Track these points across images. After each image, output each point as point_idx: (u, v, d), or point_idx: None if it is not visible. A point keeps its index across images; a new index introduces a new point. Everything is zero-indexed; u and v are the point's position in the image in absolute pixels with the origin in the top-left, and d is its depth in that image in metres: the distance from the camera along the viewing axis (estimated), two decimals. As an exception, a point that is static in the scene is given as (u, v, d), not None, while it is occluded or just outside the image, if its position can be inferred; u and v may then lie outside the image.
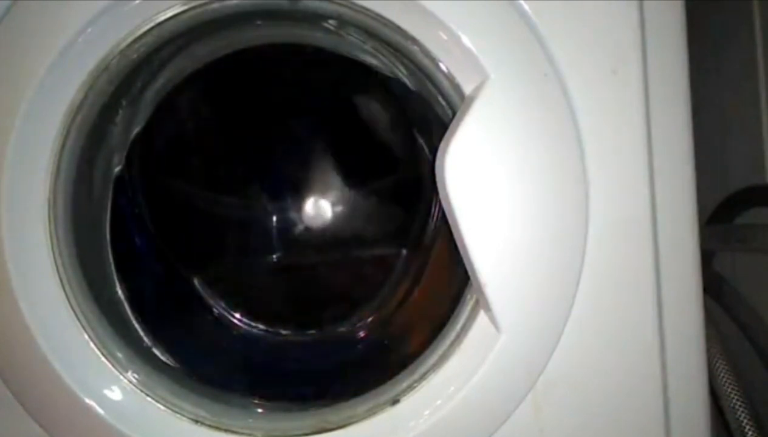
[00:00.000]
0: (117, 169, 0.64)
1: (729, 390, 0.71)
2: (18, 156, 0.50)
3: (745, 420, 0.71)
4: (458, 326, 0.53)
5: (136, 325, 0.61)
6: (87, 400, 0.52)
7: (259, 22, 0.61)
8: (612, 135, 0.50)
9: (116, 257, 0.63)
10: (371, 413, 0.52)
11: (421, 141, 0.70)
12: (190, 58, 0.63)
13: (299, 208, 0.74)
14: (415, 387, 0.52)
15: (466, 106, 0.49)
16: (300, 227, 0.74)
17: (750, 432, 0.71)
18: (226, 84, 0.70)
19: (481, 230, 0.49)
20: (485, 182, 0.48)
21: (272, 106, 0.72)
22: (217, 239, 0.74)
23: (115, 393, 0.53)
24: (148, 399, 0.54)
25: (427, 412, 0.51)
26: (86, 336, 0.53)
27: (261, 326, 0.73)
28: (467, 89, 0.50)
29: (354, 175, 0.74)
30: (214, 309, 0.73)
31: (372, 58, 0.62)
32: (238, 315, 0.73)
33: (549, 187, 0.49)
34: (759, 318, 0.79)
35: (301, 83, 0.72)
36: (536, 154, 0.49)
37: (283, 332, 0.73)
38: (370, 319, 0.73)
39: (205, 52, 0.64)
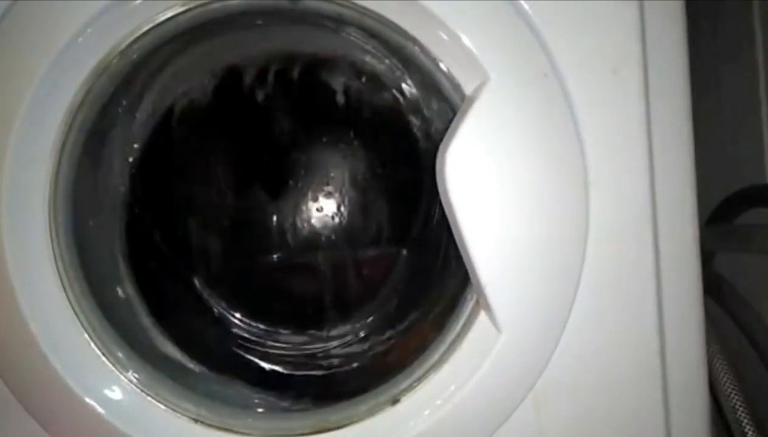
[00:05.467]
0: (117, 169, 0.64)
1: (729, 390, 0.71)
2: (18, 156, 0.50)
3: (745, 420, 0.71)
4: (458, 326, 0.53)
5: (136, 325, 0.61)
6: (87, 400, 0.52)
7: (259, 22, 0.61)
8: (612, 135, 0.50)
9: (116, 257, 0.63)
10: (371, 413, 0.52)
11: (421, 140, 0.70)
12: (190, 58, 0.63)
13: (299, 208, 0.74)
14: (415, 387, 0.52)
15: (466, 106, 0.49)
16: (300, 227, 0.74)
17: (750, 432, 0.71)
18: (226, 84, 0.70)
19: (482, 230, 0.49)
20: (485, 182, 0.48)
21: (271, 105, 0.72)
22: (218, 239, 0.74)
23: (115, 393, 0.53)
24: (149, 398, 0.54)
25: (427, 412, 0.51)
26: (86, 336, 0.53)
27: (261, 326, 0.73)
28: (467, 89, 0.50)
29: (354, 175, 0.74)
30: (214, 309, 0.73)
31: (372, 58, 0.62)
32: (238, 315, 0.73)
33: (549, 187, 0.49)
34: (759, 318, 0.79)
35: (301, 83, 0.72)
36: (536, 154, 0.49)
37: (283, 332, 0.73)
38: (370, 319, 0.73)
39: (205, 52, 0.64)
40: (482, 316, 0.51)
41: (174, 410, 0.54)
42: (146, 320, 0.61)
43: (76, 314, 0.53)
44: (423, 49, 0.50)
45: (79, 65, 0.51)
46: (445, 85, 0.51)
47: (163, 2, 0.51)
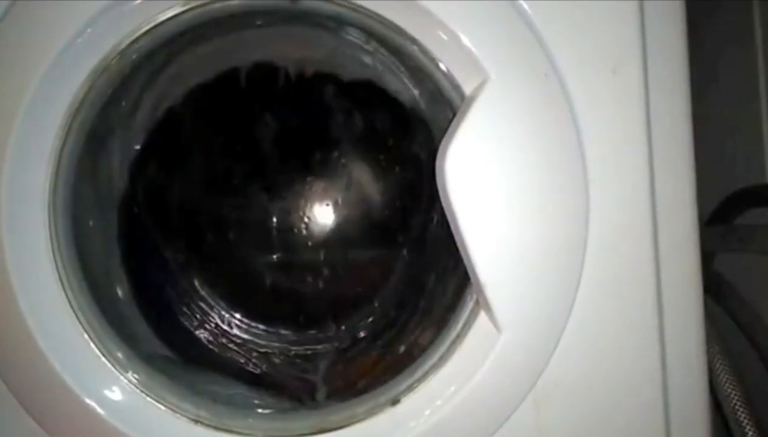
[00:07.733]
0: (116, 169, 0.64)
1: (729, 390, 0.71)
2: (18, 156, 0.50)
3: (745, 420, 0.71)
4: (458, 326, 0.53)
5: (136, 325, 0.61)
6: (87, 400, 0.52)
7: (259, 22, 0.61)
8: (612, 135, 0.50)
9: (116, 257, 0.63)
10: (371, 413, 0.52)
11: (420, 140, 0.70)
12: (191, 58, 0.63)
13: (299, 208, 0.74)
14: (415, 388, 0.52)
15: (466, 106, 0.49)
16: (300, 227, 0.74)
17: (750, 432, 0.71)
18: (226, 84, 0.70)
19: (481, 230, 0.49)
20: (485, 182, 0.48)
21: (271, 106, 0.72)
22: (217, 239, 0.74)
23: (115, 393, 0.53)
24: (148, 399, 0.54)
25: (427, 412, 0.51)
26: (86, 337, 0.53)
27: (261, 326, 0.73)
28: (467, 89, 0.50)
29: (353, 176, 0.74)
30: (214, 309, 0.73)
31: (372, 58, 0.62)
32: (238, 315, 0.73)
33: (549, 187, 0.49)
34: (759, 318, 0.79)
35: (301, 82, 0.72)
36: (536, 154, 0.49)
37: (283, 332, 0.73)
38: (370, 319, 0.73)
39: (205, 52, 0.64)
40: (482, 316, 0.51)
41: (174, 411, 0.54)
42: (136, 324, 0.61)
43: (75, 314, 0.53)
44: (422, 49, 0.50)
45: (79, 65, 0.51)
46: (445, 85, 0.51)
47: (163, 2, 0.51)
